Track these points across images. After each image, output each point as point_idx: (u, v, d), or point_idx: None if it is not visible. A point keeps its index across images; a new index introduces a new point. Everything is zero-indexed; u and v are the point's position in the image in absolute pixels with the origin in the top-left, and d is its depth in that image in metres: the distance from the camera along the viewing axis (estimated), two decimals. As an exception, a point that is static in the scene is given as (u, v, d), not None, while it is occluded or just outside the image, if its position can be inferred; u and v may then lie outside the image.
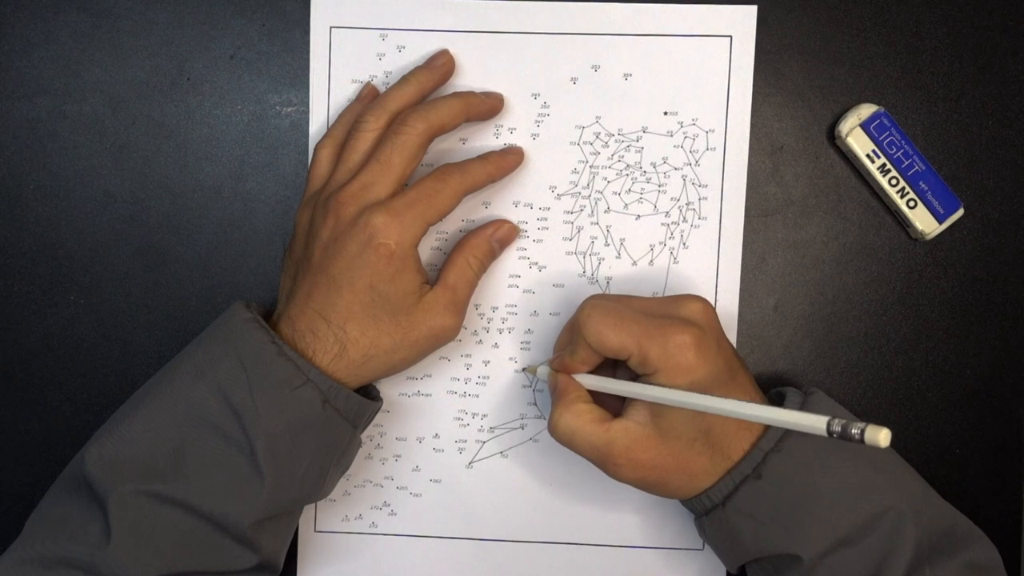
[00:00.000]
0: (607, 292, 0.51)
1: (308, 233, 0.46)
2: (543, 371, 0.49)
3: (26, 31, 0.51)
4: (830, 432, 0.36)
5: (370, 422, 0.48)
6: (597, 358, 0.45)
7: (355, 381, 0.45)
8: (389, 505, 0.52)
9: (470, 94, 0.48)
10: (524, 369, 0.51)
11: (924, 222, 0.49)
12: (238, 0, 0.51)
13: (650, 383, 0.43)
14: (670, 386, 0.42)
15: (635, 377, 0.44)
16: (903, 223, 0.50)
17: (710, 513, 0.44)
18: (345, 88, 0.51)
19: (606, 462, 0.44)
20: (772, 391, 0.48)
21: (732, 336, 0.51)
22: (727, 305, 0.50)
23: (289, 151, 0.52)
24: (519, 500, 0.52)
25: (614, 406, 0.46)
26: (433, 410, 0.52)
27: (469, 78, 0.50)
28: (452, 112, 0.47)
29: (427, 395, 0.52)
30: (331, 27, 0.51)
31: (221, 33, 0.51)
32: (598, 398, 0.46)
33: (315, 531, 0.52)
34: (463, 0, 0.50)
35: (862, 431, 0.34)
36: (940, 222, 0.49)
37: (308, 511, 0.52)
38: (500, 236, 0.49)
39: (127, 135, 0.52)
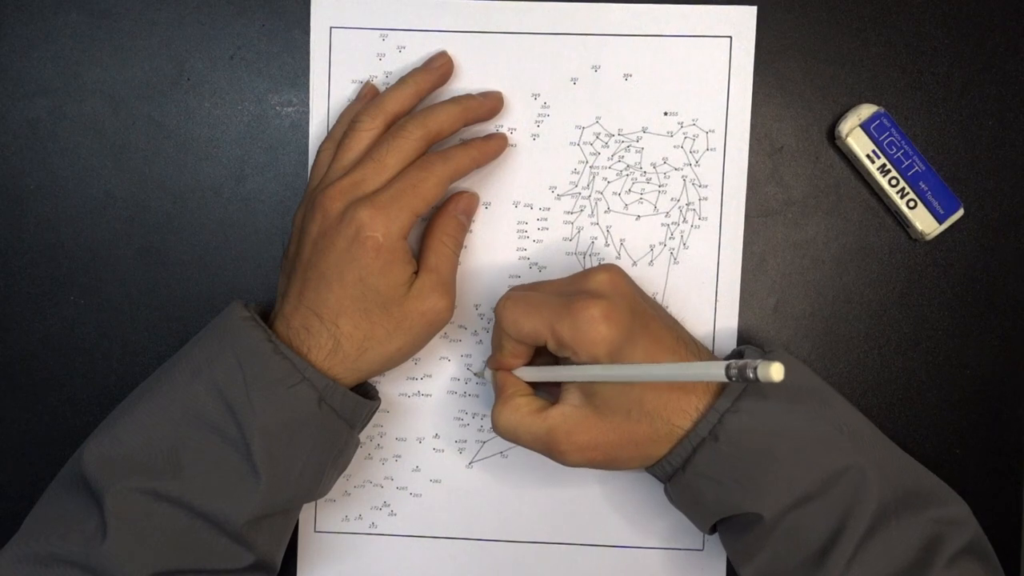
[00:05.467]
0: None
1: (301, 231, 0.46)
2: (488, 372, 0.49)
3: (26, 31, 0.51)
4: (729, 376, 0.36)
5: (368, 422, 0.48)
6: (524, 349, 0.46)
7: (352, 376, 0.45)
8: (389, 505, 0.52)
9: (468, 97, 0.48)
10: (476, 374, 0.52)
11: (924, 222, 0.49)
12: (238, 0, 0.51)
13: (574, 363, 0.44)
14: (589, 361, 0.43)
15: (568, 362, 0.45)
16: (903, 223, 0.50)
17: (672, 478, 0.45)
18: (345, 88, 0.51)
19: (551, 450, 0.44)
20: (733, 350, 0.48)
21: (732, 336, 0.51)
22: (727, 305, 0.50)
23: (289, 151, 0.52)
24: (519, 500, 0.52)
25: (557, 396, 0.46)
26: (433, 410, 0.52)
27: (469, 79, 0.50)
28: (450, 118, 0.47)
29: (427, 395, 0.52)
30: (331, 27, 0.51)
31: (221, 33, 0.51)
32: (544, 390, 0.47)
33: (315, 531, 0.52)
34: (463, 0, 0.50)
35: (755, 370, 0.34)
36: (940, 222, 0.49)
37: (308, 511, 0.52)
38: (463, 208, 0.49)
39: (127, 135, 0.52)
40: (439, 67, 0.49)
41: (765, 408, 0.42)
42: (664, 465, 0.44)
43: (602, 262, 0.51)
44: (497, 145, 0.49)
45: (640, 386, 0.43)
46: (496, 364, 0.47)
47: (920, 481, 0.44)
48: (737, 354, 0.47)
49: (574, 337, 0.42)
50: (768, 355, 0.46)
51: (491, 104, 0.49)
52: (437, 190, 0.46)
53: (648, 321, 0.44)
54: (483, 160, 0.49)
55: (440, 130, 0.46)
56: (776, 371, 0.34)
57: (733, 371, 0.35)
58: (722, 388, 0.44)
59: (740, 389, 0.43)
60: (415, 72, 0.49)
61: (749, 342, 0.51)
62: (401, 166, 0.45)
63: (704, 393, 0.43)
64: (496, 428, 0.46)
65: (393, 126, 0.46)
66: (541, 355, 0.47)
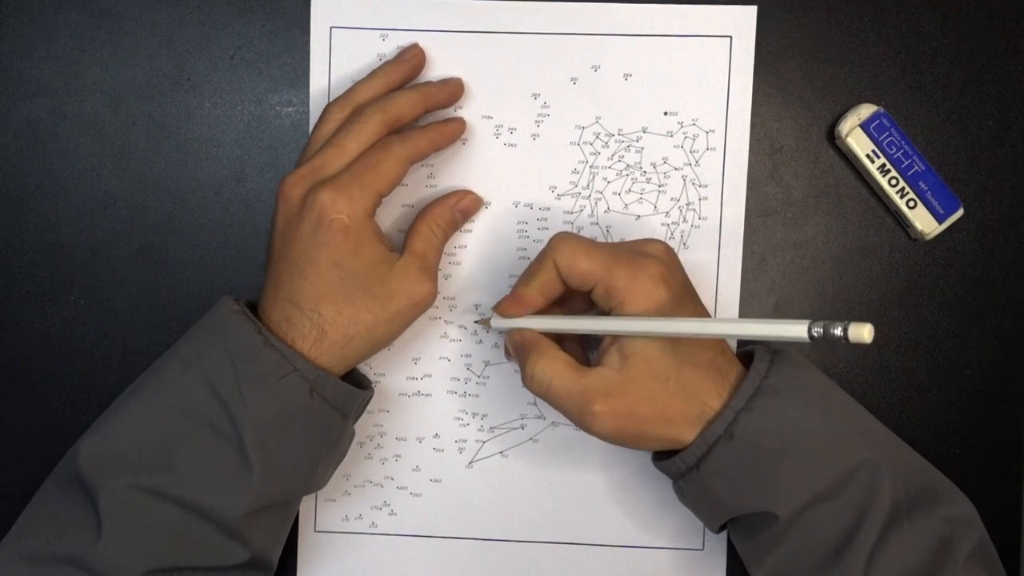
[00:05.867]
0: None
1: (271, 225, 0.46)
2: (497, 322, 0.47)
3: (26, 31, 0.51)
4: (811, 336, 0.35)
5: (362, 412, 0.48)
6: (556, 287, 0.45)
7: (340, 364, 0.45)
8: (389, 505, 0.52)
9: (428, 84, 0.49)
10: (477, 322, 0.51)
11: (924, 222, 0.49)
12: (238, 0, 0.51)
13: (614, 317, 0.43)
14: (636, 315, 0.43)
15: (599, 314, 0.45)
16: (903, 223, 0.50)
17: (686, 476, 0.44)
18: (345, 88, 0.51)
19: (584, 410, 0.43)
20: (739, 352, 0.48)
21: (731, 338, 0.51)
22: (727, 305, 0.50)
23: (289, 151, 0.52)
24: (519, 500, 0.52)
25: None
26: (433, 410, 0.52)
27: (469, 79, 0.50)
28: (409, 103, 0.47)
29: (427, 395, 0.52)
30: (331, 27, 0.51)
31: (221, 33, 0.51)
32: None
33: (315, 531, 0.52)
34: (463, 0, 0.50)
35: (845, 329, 0.34)
36: (940, 222, 0.49)
37: (308, 511, 0.52)
38: (463, 207, 0.49)
39: (127, 135, 0.52)
40: (410, 58, 0.49)
41: (779, 406, 0.42)
42: (678, 462, 0.44)
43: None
44: (455, 128, 0.49)
45: (680, 357, 0.42)
46: (515, 300, 0.46)
47: (931, 479, 0.44)
48: (746, 354, 0.47)
49: (629, 287, 0.42)
50: (778, 351, 0.46)
51: (450, 90, 0.49)
52: (397, 169, 0.45)
53: (693, 298, 0.45)
54: (442, 142, 0.48)
55: (400, 115, 0.46)
56: (868, 332, 0.33)
57: (816, 331, 0.35)
58: (738, 386, 0.43)
59: (753, 388, 0.43)
60: (385, 64, 0.49)
61: (749, 342, 0.51)
62: (360, 150, 0.45)
63: (733, 384, 0.43)
64: (530, 378, 0.44)
65: (353, 113, 0.46)
66: (550, 310, 0.47)
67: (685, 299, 0.44)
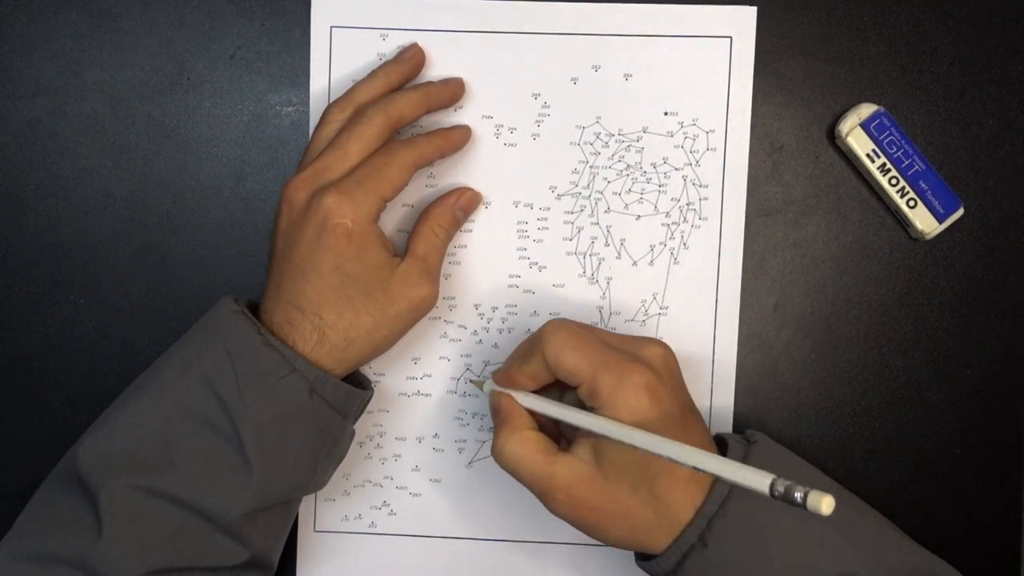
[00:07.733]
0: (605, 294, 0.51)
1: (273, 227, 0.46)
2: (489, 385, 0.47)
3: (26, 31, 0.51)
4: (773, 493, 0.33)
5: (362, 412, 0.48)
6: (546, 376, 0.44)
7: (341, 367, 0.45)
8: (389, 505, 0.52)
9: (429, 84, 0.49)
10: (470, 382, 0.51)
11: (924, 222, 0.49)
12: (238, 0, 0.51)
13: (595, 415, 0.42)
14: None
15: (580, 408, 0.43)
16: (903, 223, 0.50)
17: None
18: (345, 88, 0.51)
19: (546, 495, 0.43)
20: (716, 435, 0.47)
21: (732, 337, 0.51)
22: (727, 305, 0.50)
23: (289, 151, 0.52)
24: (519, 500, 0.52)
25: (556, 440, 0.45)
26: (433, 410, 0.52)
27: (469, 79, 0.50)
28: (411, 104, 0.47)
29: (427, 395, 0.52)
30: (331, 27, 0.51)
31: (221, 33, 0.51)
32: (540, 429, 0.45)
33: (315, 531, 0.52)
34: (463, 0, 0.50)
35: (804, 495, 0.32)
36: (940, 222, 0.49)
37: (307, 511, 0.52)
38: (463, 204, 0.49)
39: (127, 135, 0.52)
40: (410, 58, 0.49)
41: (753, 510, 0.41)
42: (655, 566, 0.43)
43: (609, 278, 0.51)
44: (460, 135, 0.49)
45: (655, 467, 0.41)
46: (507, 379, 0.45)
47: (913, 565, 0.43)
48: (720, 440, 0.46)
49: (612, 395, 0.41)
50: (753, 442, 0.45)
51: (452, 90, 0.49)
52: (402, 174, 0.45)
53: (685, 411, 0.43)
54: (447, 148, 0.48)
55: (401, 115, 0.46)
56: (827, 505, 0.31)
57: (779, 489, 0.33)
58: (710, 490, 0.42)
59: (726, 490, 0.41)
60: (385, 64, 0.49)
61: (749, 342, 0.51)
62: (364, 153, 0.45)
63: (703, 488, 0.42)
64: (499, 456, 0.44)
65: (354, 114, 0.46)
66: (547, 390, 0.45)
67: (674, 410, 0.42)
